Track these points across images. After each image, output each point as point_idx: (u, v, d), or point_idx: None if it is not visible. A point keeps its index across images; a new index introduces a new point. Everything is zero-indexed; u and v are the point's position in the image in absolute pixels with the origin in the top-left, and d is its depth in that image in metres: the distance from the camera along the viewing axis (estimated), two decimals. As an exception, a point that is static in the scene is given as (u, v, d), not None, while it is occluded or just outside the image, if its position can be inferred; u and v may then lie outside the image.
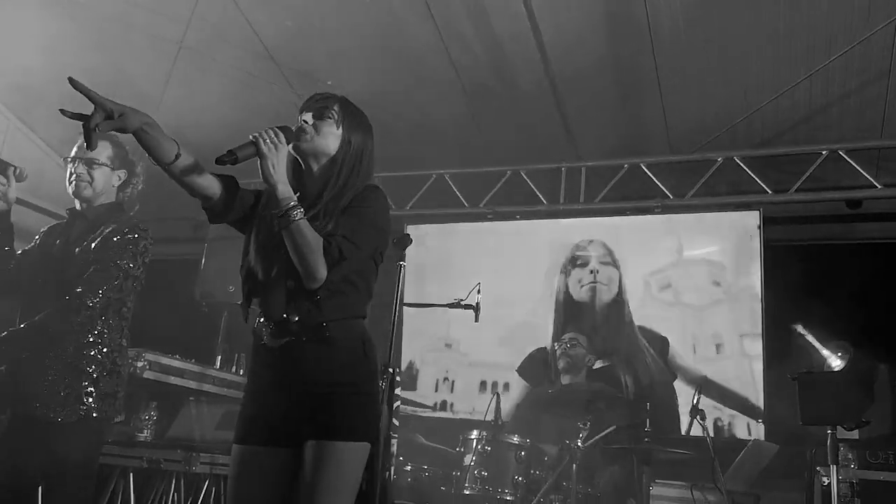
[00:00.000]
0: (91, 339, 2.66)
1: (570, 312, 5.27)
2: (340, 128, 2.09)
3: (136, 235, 2.73)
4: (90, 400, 2.62)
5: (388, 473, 2.95)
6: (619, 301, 5.20)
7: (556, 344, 4.83)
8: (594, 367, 4.47)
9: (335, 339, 1.96)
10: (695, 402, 3.63)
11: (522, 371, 5.11)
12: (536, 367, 5.08)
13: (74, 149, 2.82)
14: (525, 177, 5.69)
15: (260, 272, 2.01)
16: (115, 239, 2.69)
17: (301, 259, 1.88)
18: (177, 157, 1.95)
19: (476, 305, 3.99)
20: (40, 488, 2.61)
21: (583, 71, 4.91)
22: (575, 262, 5.44)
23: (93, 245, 2.69)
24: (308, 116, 2.08)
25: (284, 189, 1.89)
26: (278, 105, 5.25)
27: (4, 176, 2.64)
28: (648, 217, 5.39)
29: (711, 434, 3.57)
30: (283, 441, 1.95)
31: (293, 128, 2.05)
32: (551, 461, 3.67)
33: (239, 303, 2.14)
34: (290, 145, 2.02)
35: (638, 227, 5.42)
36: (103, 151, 2.79)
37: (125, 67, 5.09)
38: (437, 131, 5.56)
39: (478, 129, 5.51)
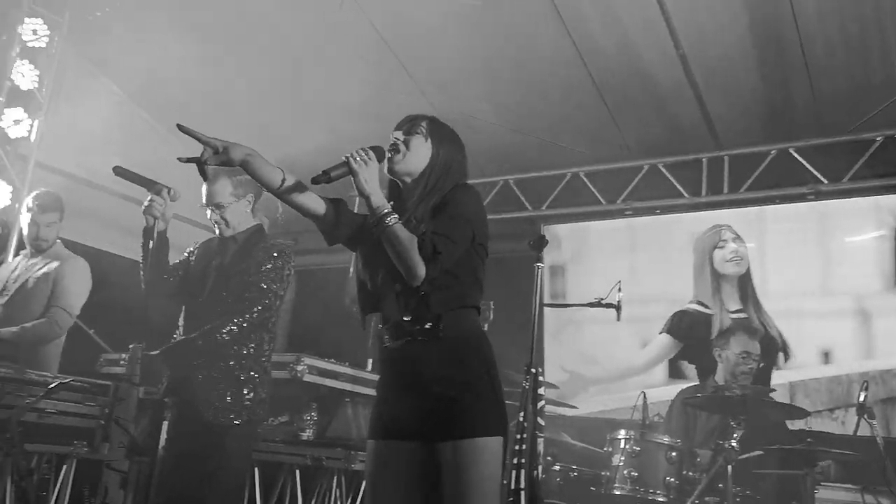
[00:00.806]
0: (248, 351, 2.96)
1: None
2: (429, 141, 2.21)
3: (283, 262, 3.04)
4: (249, 405, 2.92)
5: (535, 472, 2.99)
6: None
7: (716, 350, 4.66)
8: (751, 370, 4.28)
9: (446, 336, 2.04)
10: (861, 400, 3.41)
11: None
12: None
13: (203, 198, 3.09)
14: (664, 170, 5.54)
15: (369, 283, 2.17)
16: (267, 266, 3.00)
17: (400, 260, 1.99)
18: (282, 182, 2.13)
19: (617, 304, 3.95)
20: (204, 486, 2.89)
21: (720, 56, 4.72)
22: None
23: (247, 268, 2.99)
24: (398, 134, 2.21)
25: (377, 199, 2.02)
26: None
27: (161, 197, 2.85)
28: (799, 205, 5.09)
29: (882, 433, 3.32)
30: (413, 435, 2.05)
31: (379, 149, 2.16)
32: (705, 463, 3.56)
33: None
34: (386, 168, 2.17)
35: (787, 217, 5.13)
36: (224, 190, 3.06)
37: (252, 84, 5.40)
38: (572, 130, 5.53)
39: (614, 125, 5.43)
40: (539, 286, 3.20)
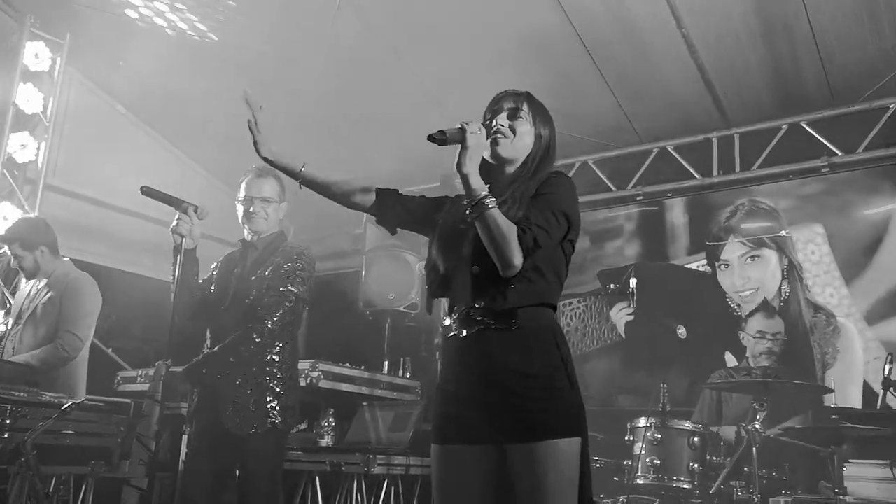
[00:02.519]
0: (271, 358, 2.93)
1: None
2: (533, 126, 2.13)
3: (304, 263, 3.02)
4: (275, 412, 2.89)
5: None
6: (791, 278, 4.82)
7: (741, 333, 4.56)
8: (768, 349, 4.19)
9: (523, 327, 1.92)
10: (886, 373, 3.32)
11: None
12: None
13: (243, 187, 3.10)
14: (673, 152, 5.46)
15: (442, 265, 2.05)
16: (286, 266, 2.99)
17: (496, 248, 1.87)
18: (301, 170, 2.24)
19: (632, 291, 3.90)
20: (238, 495, 2.88)
21: (723, 31, 4.62)
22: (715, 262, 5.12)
23: (266, 273, 2.96)
24: (503, 118, 2.11)
25: (476, 180, 1.90)
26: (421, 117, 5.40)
27: (188, 215, 2.84)
28: (815, 178, 4.98)
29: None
30: (483, 438, 1.92)
31: (489, 127, 2.07)
32: (728, 446, 3.49)
33: (402, 308, 2.27)
34: (490, 153, 2.08)
35: (803, 191, 5.03)
36: (273, 188, 3.10)
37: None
38: (578, 118, 5.46)
39: (620, 110, 5.35)
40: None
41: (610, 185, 5.70)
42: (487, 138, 2.03)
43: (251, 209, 3.07)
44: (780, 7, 4.41)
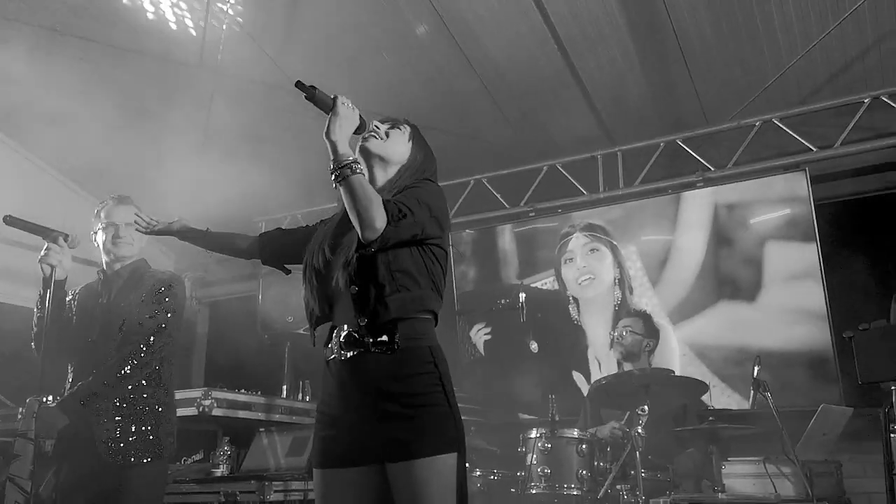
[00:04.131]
0: (147, 387, 2.86)
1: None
2: (410, 142, 2.20)
3: (171, 287, 2.98)
4: (153, 440, 2.83)
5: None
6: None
7: (611, 333, 4.79)
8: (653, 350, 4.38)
9: (402, 347, 1.95)
10: (755, 374, 3.54)
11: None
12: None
13: (104, 214, 3.03)
14: (562, 170, 5.67)
15: (317, 297, 2.07)
16: (157, 293, 2.95)
17: (360, 208, 1.86)
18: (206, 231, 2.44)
19: (521, 306, 4.01)
20: None
21: (603, 55, 4.87)
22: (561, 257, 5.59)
23: (137, 300, 2.92)
24: (380, 123, 2.18)
25: (344, 147, 1.94)
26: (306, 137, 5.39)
27: (57, 244, 2.75)
28: (693, 192, 5.28)
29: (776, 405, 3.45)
30: (363, 460, 1.94)
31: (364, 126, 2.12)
32: (614, 451, 3.64)
33: (302, 331, 2.30)
34: (358, 147, 2.13)
35: (682, 205, 5.34)
36: (128, 214, 3.00)
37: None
38: (470, 137, 5.60)
39: (510, 129, 5.53)
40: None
41: (503, 202, 5.86)
42: (360, 133, 2.10)
43: (118, 234, 3.00)
44: (651, 31, 4.68)
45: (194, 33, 4.83)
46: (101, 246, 3.05)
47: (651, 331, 4.34)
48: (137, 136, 5.01)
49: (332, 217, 2.29)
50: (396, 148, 2.18)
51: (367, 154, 2.16)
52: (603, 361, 5.27)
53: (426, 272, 2.05)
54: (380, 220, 1.88)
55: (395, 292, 1.97)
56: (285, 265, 2.42)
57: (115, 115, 4.75)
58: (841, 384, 4.49)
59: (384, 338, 1.96)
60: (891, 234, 4.76)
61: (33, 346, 2.96)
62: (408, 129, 2.24)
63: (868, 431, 4.19)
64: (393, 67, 5.03)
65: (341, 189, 1.92)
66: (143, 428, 2.81)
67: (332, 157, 1.94)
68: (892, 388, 2.95)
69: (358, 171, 1.91)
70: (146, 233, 2.52)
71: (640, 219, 5.39)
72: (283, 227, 2.45)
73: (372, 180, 2.14)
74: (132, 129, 4.89)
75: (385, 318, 1.96)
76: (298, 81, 1.97)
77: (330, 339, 2.06)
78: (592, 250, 5.49)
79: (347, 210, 1.92)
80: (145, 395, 2.86)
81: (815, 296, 4.67)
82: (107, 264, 3.06)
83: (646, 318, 4.44)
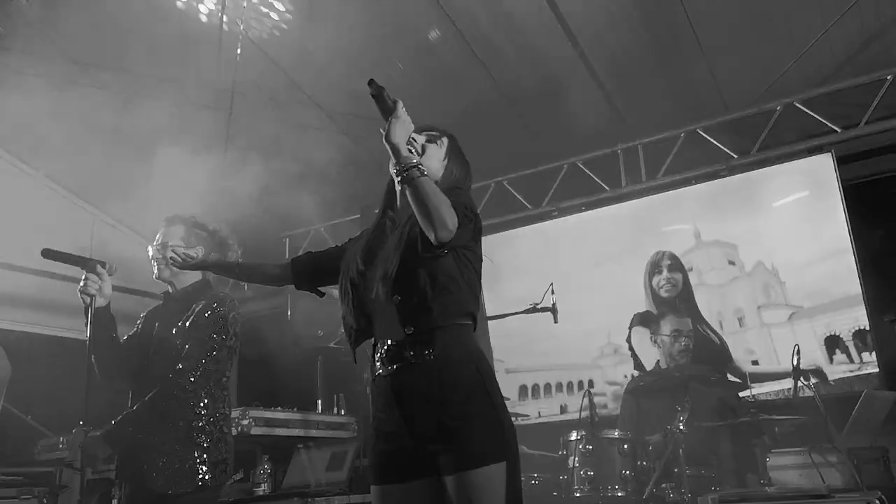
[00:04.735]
0: (198, 412, 2.82)
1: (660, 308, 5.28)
2: (446, 159, 2.18)
3: (224, 308, 2.89)
4: (204, 469, 2.77)
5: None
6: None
7: (653, 337, 4.75)
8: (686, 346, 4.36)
9: (441, 357, 1.94)
10: (795, 363, 3.50)
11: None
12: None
13: (157, 236, 3.04)
14: (583, 167, 5.63)
15: (356, 312, 2.08)
16: (206, 315, 2.86)
17: (432, 210, 1.84)
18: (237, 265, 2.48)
19: (553, 307, 3.99)
20: None
21: (617, 47, 4.83)
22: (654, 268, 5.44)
23: (187, 323, 2.88)
24: (418, 136, 2.15)
25: (406, 150, 1.93)
26: (333, 151, 5.41)
27: (96, 273, 2.75)
28: (720, 181, 5.23)
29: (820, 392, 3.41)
30: (419, 473, 1.94)
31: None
32: (656, 450, 3.60)
33: (333, 344, 2.30)
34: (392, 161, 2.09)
35: (709, 194, 5.30)
36: (176, 234, 3.00)
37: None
38: (487, 140, 5.57)
39: (527, 131, 5.51)
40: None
41: (525, 203, 5.83)
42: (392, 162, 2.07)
43: (153, 256, 2.98)
44: (666, 20, 4.63)
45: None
46: (155, 271, 3.05)
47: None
48: (158, 155, 5.06)
49: (362, 234, 2.29)
50: (430, 164, 2.13)
51: None
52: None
53: (463, 277, 2.04)
54: (451, 221, 1.87)
55: (437, 297, 1.96)
56: (318, 288, 2.42)
57: (138, 136, 4.80)
58: (880, 368, 4.42)
59: (427, 347, 1.95)
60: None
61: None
62: (445, 142, 2.21)
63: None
64: (406, 74, 5.02)
65: (408, 191, 1.88)
66: (194, 455, 2.78)
67: (395, 160, 1.92)
68: (940, 370, 2.89)
69: (425, 172, 1.89)
70: (181, 267, 2.53)
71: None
72: (312, 251, 2.44)
73: (404, 197, 2.12)
74: (152, 149, 4.93)
75: (429, 324, 1.95)
76: (372, 80, 1.95)
77: (374, 355, 2.05)
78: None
79: (417, 212, 1.89)
80: (194, 422, 2.80)
81: (848, 278, 4.62)
82: (170, 285, 3.06)
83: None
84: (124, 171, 5.28)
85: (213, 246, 3.05)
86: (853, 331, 4.61)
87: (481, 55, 4.93)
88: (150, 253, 3.02)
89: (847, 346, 4.62)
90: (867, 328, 4.52)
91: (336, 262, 2.27)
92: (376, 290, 2.01)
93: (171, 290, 3.04)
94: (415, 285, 1.97)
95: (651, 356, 5.05)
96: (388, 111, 1.96)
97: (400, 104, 1.97)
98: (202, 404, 2.83)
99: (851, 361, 4.59)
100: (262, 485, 4.04)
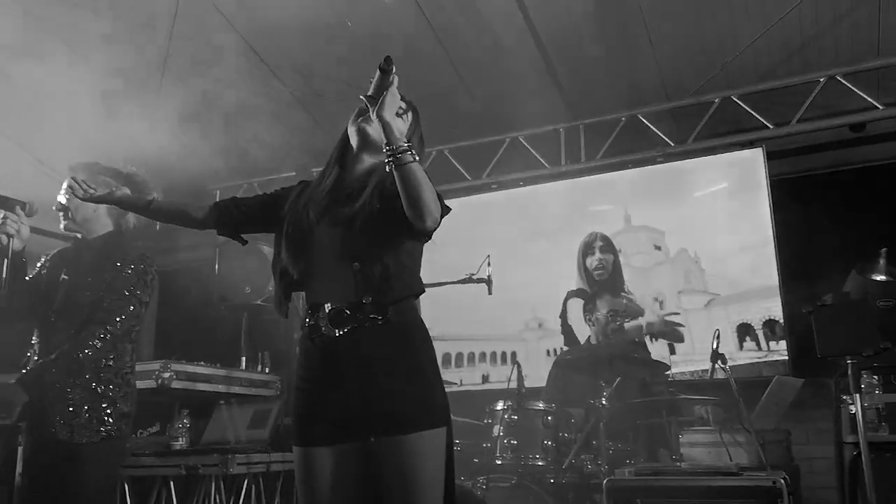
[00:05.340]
0: (109, 364, 2.78)
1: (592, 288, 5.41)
2: (409, 133, 2.11)
3: (145, 266, 2.87)
4: (110, 421, 2.74)
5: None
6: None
7: (587, 315, 4.85)
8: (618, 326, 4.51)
9: (394, 322, 1.93)
10: (714, 347, 3.63)
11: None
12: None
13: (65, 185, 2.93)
14: (525, 142, 5.67)
15: (301, 264, 2.01)
16: (129, 270, 2.83)
17: (421, 199, 1.81)
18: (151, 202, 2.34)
19: (488, 278, 4.02)
20: None
21: (568, 27, 4.84)
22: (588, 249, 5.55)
23: (106, 275, 2.80)
24: None
25: (398, 130, 1.87)
26: (272, 105, 5.27)
27: (14, 213, 2.65)
28: (653, 167, 5.37)
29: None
30: (349, 436, 1.91)
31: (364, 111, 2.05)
32: (578, 422, 3.71)
33: (260, 301, 2.23)
34: (359, 119, 2.07)
35: (642, 179, 5.43)
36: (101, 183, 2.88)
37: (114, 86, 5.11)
38: (433, 108, 5.52)
39: (473, 101, 5.49)
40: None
41: (465, 174, 5.83)
42: (359, 120, 2.05)
43: (64, 225, 2.90)
44: (617, 5, 4.68)
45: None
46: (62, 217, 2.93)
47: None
48: (88, 101, 4.80)
49: (303, 185, 2.23)
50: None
51: (363, 136, 2.09)
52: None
53: (418, 254, 2.06)
54: (437, 210, 1.86)
55: (398, 273, 1.95)
56: (241, 235, 2.35)
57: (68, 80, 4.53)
58: (790, 356, 4.67)
59: (380, 315, 1.93)
60: (843, 210, 4.92)
61: None
62: (410, 116, 2.16)
63: (812, 400, 4.39)
64: (357, 35, 4.90)
65: (398, 175, 1.82)
66: (102, 406, 2.73)
67: (387, 139, 1.84)
68: (849, 361, 3.06)
69: (417, 157, 1.84)
70: (84, 199, 2.41)
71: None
72: (237, 196, 2.36)
73: (356, 162, 2.11)
74: (83, 93, 4.67)
75: (387, 297, 1.93)
76: (389, 57, 1.86)
77: (314, 315, 1.99)
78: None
79: (405, 198, 1.83)
80: (104, 374, 2.76)
81: (767, 269, 4.84)
82: (82, 234, 2.94)
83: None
84: (47, 110, 5.02)
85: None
86: (764, 320, 4.85)
87: (434, 24, 4.86)
88: (62, 222, 2.93)
89: (757, 335, 4.86)
90: (777, 318, 4.76)
91: (263, 210, 2.22)
92: (330, 251, 1.98)
93: (80, 237, 2.94)
94: (378, 258, 1.94)
95: (583, 333, 5.18)
96: (385, 85, 1.87)
97: (396, 79, 1.88)
98: (113, 357, 2.79)
99: (759, 349, 4.84)
100: (180, 439, 3.95)
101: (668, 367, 3.96)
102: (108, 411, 2.74)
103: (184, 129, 5.26)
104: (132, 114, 4.85)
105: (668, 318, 4.97)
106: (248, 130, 5.32)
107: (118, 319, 2.76)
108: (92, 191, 2.39)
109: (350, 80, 5.25)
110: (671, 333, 4.96)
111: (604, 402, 3.48)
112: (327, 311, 1.95)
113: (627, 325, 4.96)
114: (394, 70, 1.86)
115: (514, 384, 3.70)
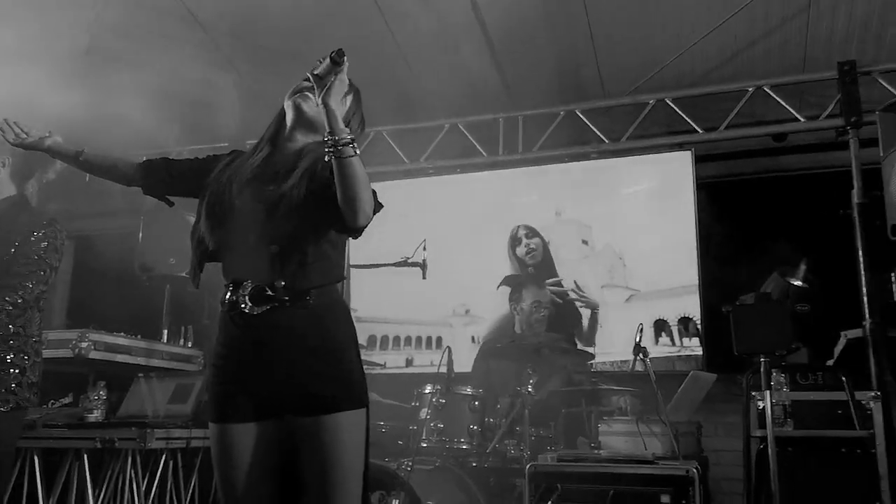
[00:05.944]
0: (17, 331, 2.69)
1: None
2: (349, 116, 2.08)
3: (54, 230, 2.80)
4: (17, 389, 2.65)
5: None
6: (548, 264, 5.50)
7: (512, 304, 4.91)
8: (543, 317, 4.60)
9: (317, 305, 1.90)
10: (637, 340, 3.75)
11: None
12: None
13: None
14: (464, 129, 5.68)
15: (218, 237, 1.97)
16: (37, 234, 2.75)
17: (356, 196, 1.78)
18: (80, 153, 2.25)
19: (423, 262, 4.03)
20: None
21: (515, 18, 4.88)
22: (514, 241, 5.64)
23: (16, 241, 2.71)
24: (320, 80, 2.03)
25: (342, 122, 1.82)
26: (207, 73, 5.10)
27: None
28: (587, 163, 5.48)
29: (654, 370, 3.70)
30: (266, 414, 1.89)
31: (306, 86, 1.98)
32: (504, 409, 3.77)
33: (184, 273, 2.17)
34: (295, 95, 2.02)
35: (576, 174, 5.54)
36: None
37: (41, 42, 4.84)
38: (373, 87, 5.46)
39: (415, 83, 5.46)
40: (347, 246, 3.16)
41: (403, 157, 5.81)
42: (295, 95, 2.02)
43: None
44: (563, 2, 4.74)
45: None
46: None
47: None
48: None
49: (234, 155, 2.18)
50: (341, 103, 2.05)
51: (298, 112, 2.05)
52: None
53: (342, 243, 2.04)
54: (371, 207, 1.84)
55: (316, 262, 1.92)
56: (168, 196, 2.28)
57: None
58: (704, 352, 4.88)
59: (300, 298, 1.90)
60: (763, 215, 5.15)
61: None
62: (350, 98, 2.12)
63: (723, 395, 4.61)
64: (301, 6, 4.79)
65: (336, 167, 1.78)
66: (8, 377, 2.63)
67: (330, 127, 1.78)
68: (762, 359, 3.23)
69: (358, 151, 1.79)
70: (14, 144, 2.30)
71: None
72: (169, 157, 2.30)
73: (288, 140, 2.07)
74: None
75: (303, 284, 1.90)
76: (341, 49, 1.80)
77: (234, 291, 1.94)
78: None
79: (340, 191, 1.80)
80: (12, 342, 2.67)
81: (687, 269, 5.03)
82: None
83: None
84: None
85: (9, 151, 2.82)
86: (679, 317, 5.05)
87: (382, 5, 4.81)
88: None
89: (672, 331, 5.06)
90: (691, 316, 4.97)
91: (192, 174, 2.17)
92: (250, 228, 1.93)
93: None
94: (297, 245, 1.91)
95: (508, 322, 5.23)
96: (335, 68, 1.81)
97: (346, 66, 1.84)
98: (21, 324, 2.71)
99: (673, 345, 5.04)
100: (95, 411, 3.82)
101: (592, 357, 4.08)
102: (16, 381, 2.65)
103: (112, 94, 5.05)
104: (58, 78, 4.63)
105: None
106: (180, 98, 5.14)
107: (29, 284, 2.67)
108: (24, 135, 2.28)
109: (295, 54, 5.17)
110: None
111: (530, 390, 3.55)
112: (248, 288, 1.91)
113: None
114: (345, 63, 1.82)
115: (444, 369, 3.73)
